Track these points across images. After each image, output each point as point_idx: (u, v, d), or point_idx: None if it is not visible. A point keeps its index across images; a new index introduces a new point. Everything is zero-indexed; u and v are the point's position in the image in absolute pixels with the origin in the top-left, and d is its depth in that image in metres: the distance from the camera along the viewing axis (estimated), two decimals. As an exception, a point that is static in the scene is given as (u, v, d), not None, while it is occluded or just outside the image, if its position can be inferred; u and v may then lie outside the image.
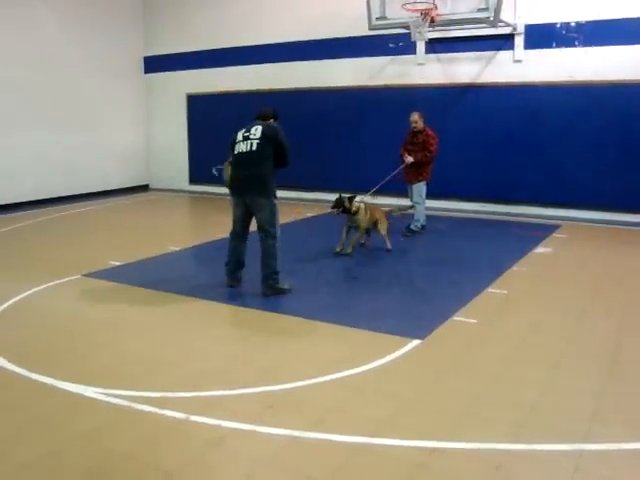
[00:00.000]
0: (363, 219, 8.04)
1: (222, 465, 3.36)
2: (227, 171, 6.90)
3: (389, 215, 8.60)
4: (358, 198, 8.19)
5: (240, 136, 6.38)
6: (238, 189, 6.42)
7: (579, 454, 3.41)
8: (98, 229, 10.56)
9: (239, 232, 6.57)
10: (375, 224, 8.29)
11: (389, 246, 8.32)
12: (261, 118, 6.57)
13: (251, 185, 6.28)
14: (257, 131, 6.30)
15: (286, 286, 6.47)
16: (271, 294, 6.35)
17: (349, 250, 8.05)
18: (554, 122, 10.40)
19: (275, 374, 4.50)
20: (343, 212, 7.96)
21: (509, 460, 3.36)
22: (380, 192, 9.08)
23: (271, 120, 6.60)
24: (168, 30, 14.58)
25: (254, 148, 6.25)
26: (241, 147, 6.33)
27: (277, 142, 6.30)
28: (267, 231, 6.32)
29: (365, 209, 8.09)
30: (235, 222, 6.57)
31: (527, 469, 3.30)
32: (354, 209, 7.93)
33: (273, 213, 6.33)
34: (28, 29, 12.36)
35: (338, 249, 8.07)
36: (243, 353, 4.98)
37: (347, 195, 8.07)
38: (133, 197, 14.28)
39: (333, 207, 8.04)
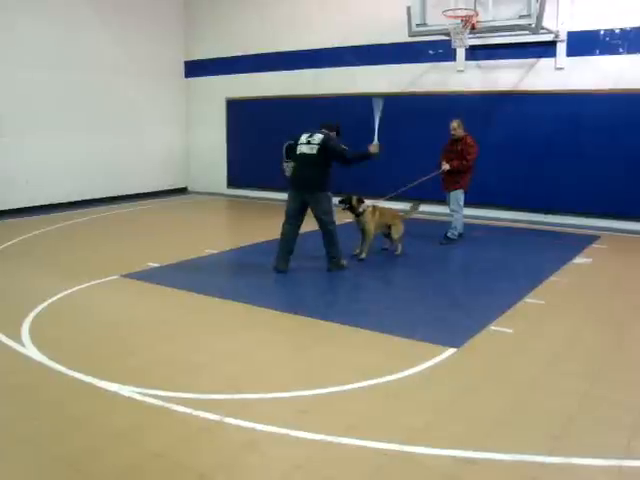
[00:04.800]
0: (369, 222, 7.99)
1: (255, 469, 3.38)
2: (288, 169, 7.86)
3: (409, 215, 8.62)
4: (369, 202, 8.21)
5: (304, 139, 7.40)
6: (298, 185, 7.41)
7: (617, 470, 3.34)
8: (137, 231, 10.74)
9: (291, 222, 7.48)
10: (389, 228, 8.26)
11: (399, 251, 8.31)
12: (326, 127, 7.55)
13: (310, 183, 7.28)
14: (318, 138, 7.31)
15: (345, 263, 7.56)
16: (335, 270, 7.45)
17: (362, 255, 8.05)
18: (595, 131, 10.22)
19: (309, 379, 4.51)
20: (349, 210, 8.04)
21: (544, 473, 3.31)
22: (418, 199, 9.01)
23: (333, 133, 7.56)
24: (208, 35, 14.76)
25: (314, 152, 7.26)
26: (303, 149, 7.36)
27: (329, 148, 7.24)
28: (326, 219, 7.36)
29: (373, 212, 8.05)
30: (289, 213, 7.50)
31: (563, 483, 3.25)
32: (360, 210, 7.96)
33: (329, 203, 7.39)
34: (71, 32, 12.63)
35: (355, 252, 8.13)
36: (278, 357, 5.01)
37: (358, 196, 8.07)
38: (172, 200, 14.46)
39: (341, 202, 8.10)
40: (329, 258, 7.48)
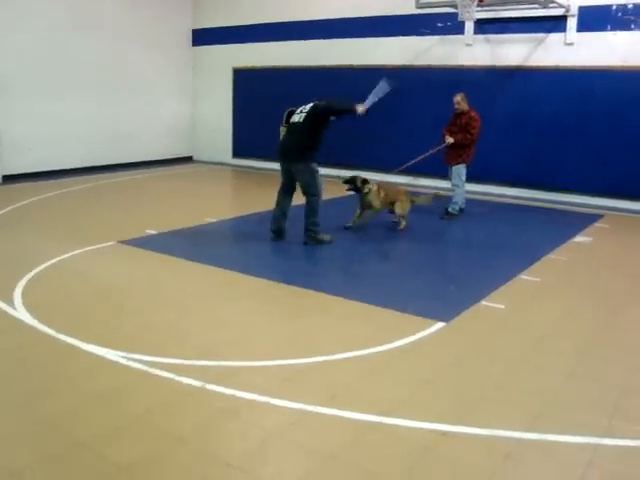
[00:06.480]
0: (374, 200, 8.07)
1: (233, 435, 3.40)
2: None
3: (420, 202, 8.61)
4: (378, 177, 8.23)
5: (299, 109, 7.38)
6: (281, 154, 7.43)
7: (594, 448, 3.33)
8: (139, 198, 10.73)
9: (283, 190, 7.55)
10: (392, 204, 8.24)
11: (402, 226, 8.27)
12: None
13: (292, 153, 7.24)
14: (308, 107, 7.26)
15: (326, 238, 7.42)
16: (311, 243, 7.35)
17: (350, 224, 8.20)
18: (603, 108, 10.06)
19: (295, 348, 4.52)
20: (354, 190, 8.10)
21: (520, 449, 3.30)
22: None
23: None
24: (217, 3, 14.59)
25: (301, 120, 7.21)
26: (294, 118, 7.35)
27: (319, 112, 7.12)
28: (308, 191, 7.29)
29: (378, 191, 8.10)
30: (282, 181, 7.56)
31: (537, 460, 3.24)
32: (365, 190, 8.01)
33: (312, 175, 7.25)
34: (79, -2, 12.53)
35: (349, 224, 8.20)
36: (266, 326, 5.01)
37: (362, 177, 8.14)
38: (176, 168, 14.43)
39: (345, 182, 8.17)
40: (306, 229, 7.37)
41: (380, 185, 8.24)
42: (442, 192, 9.02)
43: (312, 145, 7.19)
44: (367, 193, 8.02)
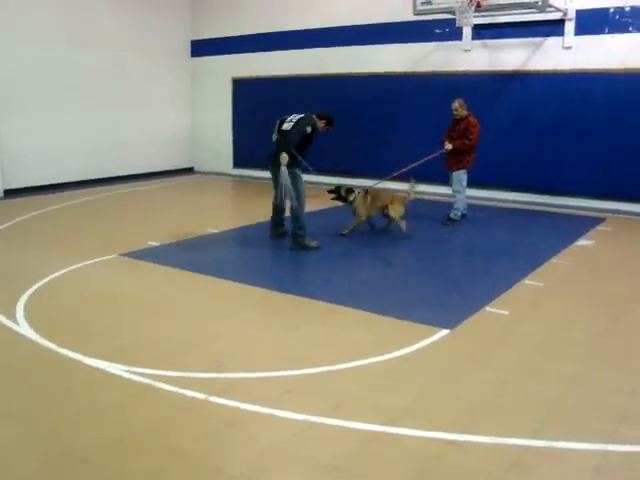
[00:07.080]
0: (360, 206, 8.19)
1: (237, 447, 3.37)
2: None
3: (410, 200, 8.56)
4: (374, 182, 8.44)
5: (289, 118, 7.64)
6: (269, 160, 7.62)
7: (602, 455, 3.30)
8: (141, 210, 10.73)
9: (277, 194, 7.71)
10: (385, 209, 8.27)
11: (404, 229, 8.26)
12: (316, 115, 7.65)
13: (276, 159, 7.37)
14: (296, 118, 7.54)
15: (313, 244, 7.51)
16: (296, 248, 7.49)
17: (344, 231, 8.28)
18: (603, 111, 10.04)
19: (298, 359, 4.49)
20: (338, 199, 8.32)
21: (527, 457, 3.27)
22: (420, 179, 8.93)
23: (322, 122, 7.66)
24: (215, 14, 14.61)
25: (288, 129, 7.48)
26: (284, 126, 7.59)
27: (297, 126, 7.37)
28: (291, 195, 7.39)
29: (364, 197, 8.20)
30: (274, 187, 7.68)
31: (545, 467, 3.20)
32: (350, 198, 8.19)
33: (294, 181, 7.39)
34: (77, 9, 12.52)
35: (344, 231, 8.30)
36: (268, 336, 4.98)
37: (347, 186, 8.40)
38: (177, 179, 14.43)
39: (330, 192, 8.40)
40: (292, 234, 7.58)
41: (369, 191, 8.32)
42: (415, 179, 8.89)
43: (297, 152, 7.41)
44: (352, 201, 8.20)
